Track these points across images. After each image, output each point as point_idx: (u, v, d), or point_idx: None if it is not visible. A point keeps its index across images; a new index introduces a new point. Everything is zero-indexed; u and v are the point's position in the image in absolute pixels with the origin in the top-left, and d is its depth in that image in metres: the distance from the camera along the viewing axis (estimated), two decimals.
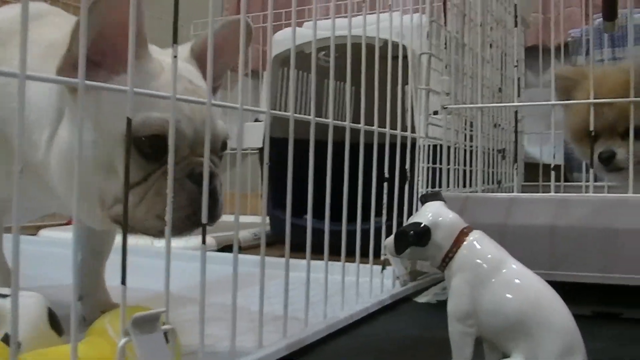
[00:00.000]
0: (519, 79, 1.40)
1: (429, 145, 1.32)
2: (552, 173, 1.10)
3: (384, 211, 1.17)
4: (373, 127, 1.10)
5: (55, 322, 0.73)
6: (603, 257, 1.05)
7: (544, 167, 1.90)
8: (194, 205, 0.72)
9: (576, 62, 1.95)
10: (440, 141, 1.26)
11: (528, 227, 1.09)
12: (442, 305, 1.18)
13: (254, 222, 2.30)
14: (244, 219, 2.37)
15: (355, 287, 1.10)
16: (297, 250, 0.94)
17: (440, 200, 0.75)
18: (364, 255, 1.12)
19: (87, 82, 0.56)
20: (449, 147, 1.24)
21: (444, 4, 1.20)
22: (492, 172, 1.51)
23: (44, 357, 0.66)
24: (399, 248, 0.72)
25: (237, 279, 0.77)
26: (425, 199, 0.76)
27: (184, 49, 0.85)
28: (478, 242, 0.71)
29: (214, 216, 0.76)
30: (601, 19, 1.77)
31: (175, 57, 0.66)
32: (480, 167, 1.24)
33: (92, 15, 0.61)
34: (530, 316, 0.66)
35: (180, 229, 0.74)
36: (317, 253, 0.96)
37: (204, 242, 0.71)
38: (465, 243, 0.71)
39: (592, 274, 1.05)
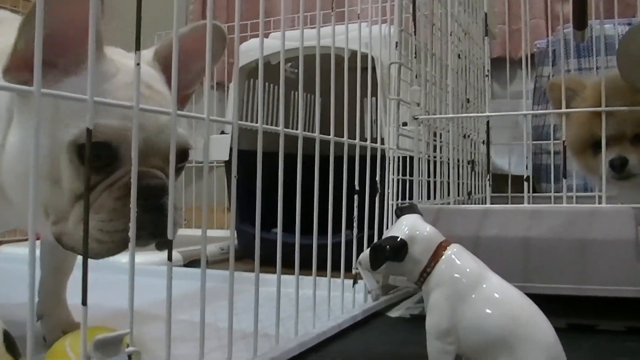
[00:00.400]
0: (491, 88, 1.39)
1: (398, 157, 1.30)
2: (525, 184, 1.09)
3: (355, 224, 1.15)
4: (343, 139, 1.08)
5: (10, 344, 0.69)
6: (577, 269, 1.03)
7: (512, 177, 1.90)
8: (139, 222, 0.63)
9: (542, 73, 1.95)
10: (410, 152, 1.24)
11: (502, 238, 1.07)
12: (415, 319, 1.17)
13: (220, 236, 2.26)
14: (210, 233, 2.34)
15: (326, 302, 1.07)
16: (265, 264, 0.92)
17: (417, 213, 0.73)
18: (335, 268, 1.09)
19: (44, 90, 0.52)
20: (420, 159, 1.22)
21: (414, 13, 1.18)
22: (463, 184, 1.49)
23: None
24: (375, 263, 0.69)
25: (205, 295, 0.73)
26: (400, 211, 0.73)
27: (148, 52, 0.80)
28: (457, 256, 0.69)
29: (163, 235, 0.69)
30: (567, 29, 1.79)
31: (138, 64, 0.62)
32: (453, 178, 1.22)
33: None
34: (511, 331, 0.64)
35: (121, 249, 0.68)
36: (285, 267, 0.94)
37: (169, 258, 0.68)
38: (443, 257, 0.69)
39: (566, 286, 1.04)
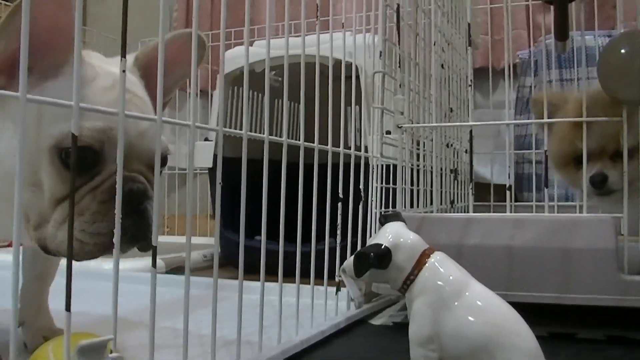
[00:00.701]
0: (473, 97, 1.40)
1: (382, 165, 1.31)
2: (507, 193, 1.10)
3: (339, 231, 1.15)
4: (327, 147, 1.08)
5: None
6: (559, 278, 1.04)
7: (494, 186, 1.91)
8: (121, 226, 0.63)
9: (524, 83, 1.97)
10: (394, 161, 1.25)
11: (485, 247, 1.08)
12: (398, 327, 1.17)
13: (203, 243, 2.25)
14: (193, 240, 2.33)
15: (310, 310, 1.07)
16: (248, 272, 0.91)
17: (401, 220, 0.73)
18: (319, 276, 1.09)
19: (29, 95, 0.52)
20: (403, 167, 1.23)
21: (397, 23, 1.19)
22: (445, 192, 1.50)
23: None
24: (359, 270, 0.70)
25: (188, 302, 0.73)
26: (385, 219, 0.73)
27: (128, 58, 0.80)
28: (440, 264, 0.70)
29: (145, 238, 0.69)
30: (549, 40, 1.81)
31: (123, 71, 0.62)
32: (436, 186, 1.23)
33: (17, 16, 0.57)
34: (494, 340, 0.64)
35: (102, 252, 0.68)
36: (269, 275, 0.94)
37: (154, 265, 0.67)
38: (426, 265, 0.69)
39: (548, 294, 1.05)
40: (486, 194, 1.92)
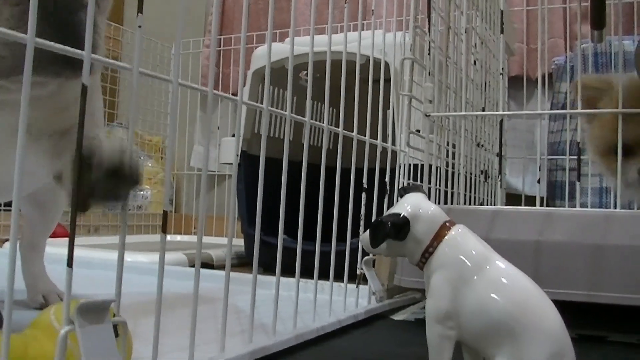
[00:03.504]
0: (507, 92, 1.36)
1: (409, 165, 1.28)
2: (537, 185, 1.06)
3: (362, 222, 1.12)
4: (352, 134, 1.06)
5: None
6: (589, 275, 1.00)
7: (525, 198, 1.86)
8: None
9: (560, 89, 1.92)
10: (421, 154, 1.21)
11: (512, 241, 1.03)
12: (420, 323, 1.13)
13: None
14: (219, 240, 2.33)
15: (328, 305, 1.04)
16: (270, 269, 0.89)
17: (421, 192, 0.70)
18: (339, 276, 1.06)
19: None
20: (430, 166, 1.19)
21: (428, 11, 1.16)
22: (473, 196, 1.46)
23: None
24: (375, 240, 0.66)
25: (198, 282, 0.70)
26: (404, 191, 0.70)
27: None
28: (461, 237, 0.66)
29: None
30: (585, 45, 1.77)
31: (139, 26, 0.61)
32: (464, 186, 1.19)
33: None
34: (516, 318, 0.60)
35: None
36: (289, 272, 0.91)
37: (164, 230, 0.65)
38: (446, 238, 0.65)
39: (578, 292, 1.00)
40: (517, 205, 1.87)
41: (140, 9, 0.62)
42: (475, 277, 0.63)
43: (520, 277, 0.64)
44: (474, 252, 0.65)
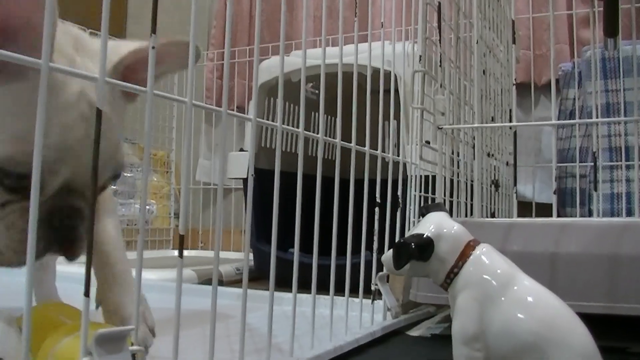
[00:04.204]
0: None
1: (421, 176, 1.26)
2: (554, 196, 1.04)
3: (375, 237, 1.10)
4: (364, 148, 1.04)
5: None
6: (607, 286, 0.98)
7: (536, 205, 1.84)
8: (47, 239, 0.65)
9: (567, 95, 1.91)
10: (433, 166, 1.20)
11: (527, 253, 1.02)
12: (436, 338, 1.12)
13: (236, 258, 2.23)
14: (227, 254, 2.31)
15: (344, 321, 1.02)
16: (282, 284, 0.88)
17: (443, 211, 0.68)
18: (353, 290, 1.05)
19: None
20: (442, 173, 1.18)
21: (439, 22, 1.15)
22: (485, 205, 1.44)
23: None
24: (399, 262, 0.65)
25: (216, 298, 0.69)
26: (426, 210, 0.69)
27: (113, 55, 0.71)
28: (486, 256, 0.65)
29: (72, 252, 0.69)
30: (595, 49, 1.75)
31: (153, 47, 0.60)
32: (477, 197, 1.18)
33: None
34: (545, 338, 0.59)
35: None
36: (303, 288, 0.90)
37: (180, 255, 0.64)
38: (471, 257, 0.64)
39: (596, 304, 0.98)
40: (528, 213, 1.86)
41: (153, 30, 0.61)
42: (502, 297, 0.61)
43: (546, 294, 0.63)
44: (499, 271, 0.63)
